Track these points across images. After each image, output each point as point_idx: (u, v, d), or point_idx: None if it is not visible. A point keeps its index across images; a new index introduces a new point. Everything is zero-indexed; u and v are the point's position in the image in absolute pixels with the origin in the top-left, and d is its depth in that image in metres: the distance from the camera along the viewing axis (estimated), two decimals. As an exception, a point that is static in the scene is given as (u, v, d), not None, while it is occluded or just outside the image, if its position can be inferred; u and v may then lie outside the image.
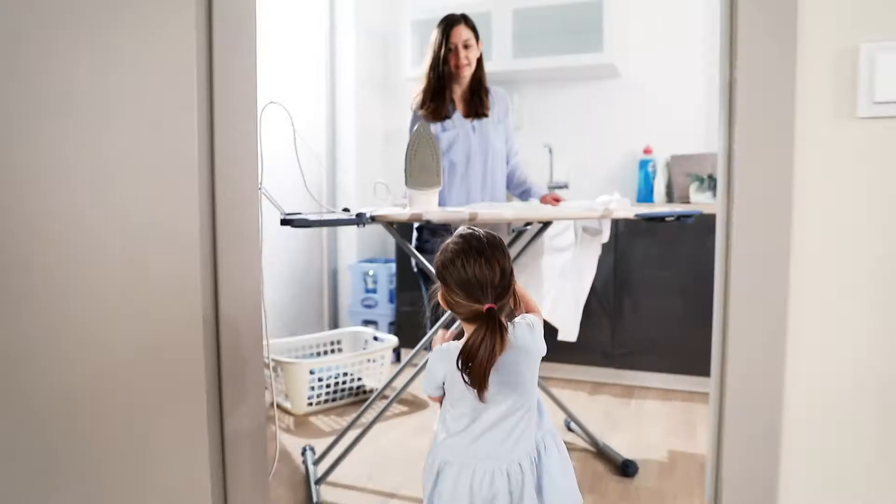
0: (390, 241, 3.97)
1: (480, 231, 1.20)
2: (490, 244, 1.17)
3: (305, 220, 1.83)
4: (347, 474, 2.15)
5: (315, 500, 1.96)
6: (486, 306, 1.13)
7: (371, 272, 3.72)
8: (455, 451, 1.22)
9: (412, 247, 2.38)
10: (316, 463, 2.18)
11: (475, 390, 1.13)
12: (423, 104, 2.50)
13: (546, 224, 2.22)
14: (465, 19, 2.46)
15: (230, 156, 1.22)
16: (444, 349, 1.22)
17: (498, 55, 3.47)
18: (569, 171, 3.69)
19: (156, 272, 1.19)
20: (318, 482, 2.06)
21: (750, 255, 0.94)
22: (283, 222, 1.80)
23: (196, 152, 1.14)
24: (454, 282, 1.15)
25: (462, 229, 1.22)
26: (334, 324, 3.92)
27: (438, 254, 1.20)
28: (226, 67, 1.18)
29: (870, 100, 0.77)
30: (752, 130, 0.85)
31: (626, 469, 2.21)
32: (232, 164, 1.22)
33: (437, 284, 1.22)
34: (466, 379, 1.12)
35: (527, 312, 1.28)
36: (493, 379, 1.13)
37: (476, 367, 1.10)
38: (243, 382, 1.28)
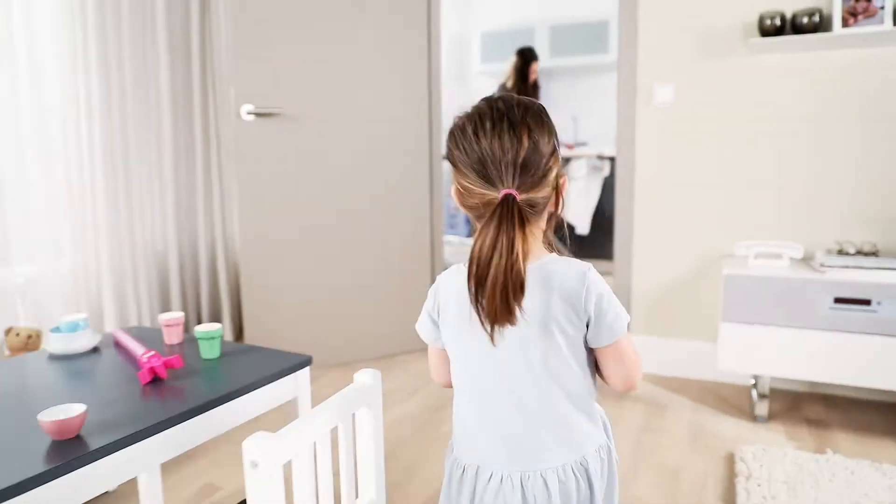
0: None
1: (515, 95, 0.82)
2: (520, 106, 0.78)
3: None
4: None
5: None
6: (503, 192, 0.74)
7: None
8: (460, 441, 0.83)
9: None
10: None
11: (486, 330, 0.71)
12: (508, 86, 4.32)
13: (566, 161, 3.95)
14: (533, 55, 4.35)
15: (437, 106, 2.95)
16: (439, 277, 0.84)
17: (540, 55, 5.17)
18: (587, 134, 5.38)
19: (407, 166, 2.90)
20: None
21: (623, 162, 2.65)
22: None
23: (427, 96, 2.89)
24: (463, 160, 0.77)
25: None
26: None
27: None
28: (433, 61, 2.92)
29: (653, 101, 2.48)
30: (624, 110, 2.57)
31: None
32: (438, 108, 2.96)
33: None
34: (481, 311, 0.71)
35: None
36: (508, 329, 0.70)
37: (490, 286, 0.69)
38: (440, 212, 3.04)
